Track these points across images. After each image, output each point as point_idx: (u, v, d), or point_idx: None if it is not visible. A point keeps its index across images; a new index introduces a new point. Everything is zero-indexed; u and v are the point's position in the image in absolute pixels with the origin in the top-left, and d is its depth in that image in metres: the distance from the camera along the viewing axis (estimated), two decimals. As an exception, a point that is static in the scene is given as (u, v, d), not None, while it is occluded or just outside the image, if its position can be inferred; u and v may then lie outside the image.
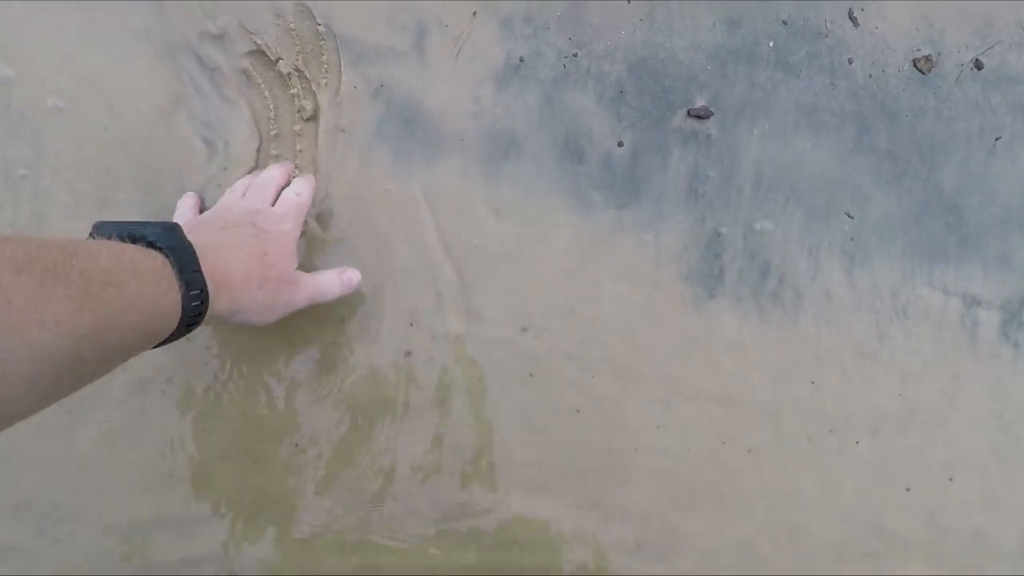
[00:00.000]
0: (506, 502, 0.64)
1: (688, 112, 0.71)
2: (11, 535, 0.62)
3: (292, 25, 0.65)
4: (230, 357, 0.63)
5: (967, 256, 0.73)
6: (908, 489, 0.67)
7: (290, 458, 0.63)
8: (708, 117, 0.71)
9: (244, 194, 0.59)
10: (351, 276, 0.60)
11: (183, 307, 0.42)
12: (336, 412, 0.64)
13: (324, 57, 0.66)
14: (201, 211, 0.61)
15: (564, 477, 0.64)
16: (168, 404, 0.63)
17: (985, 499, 0.68)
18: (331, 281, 0.59)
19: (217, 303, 0.46)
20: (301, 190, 0.60)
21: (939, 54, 0.75)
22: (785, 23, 0.72)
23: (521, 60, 0.69)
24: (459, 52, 0.68)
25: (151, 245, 0.43)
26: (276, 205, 0.58)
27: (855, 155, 0.73)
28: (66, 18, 0.61)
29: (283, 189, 0.60)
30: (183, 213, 0.60)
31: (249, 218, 0.54)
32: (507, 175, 0.68)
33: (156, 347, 0.44)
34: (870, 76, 0.74)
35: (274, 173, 0.61)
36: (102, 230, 0.43)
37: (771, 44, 0.72)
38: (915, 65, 0.75)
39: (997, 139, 0.75)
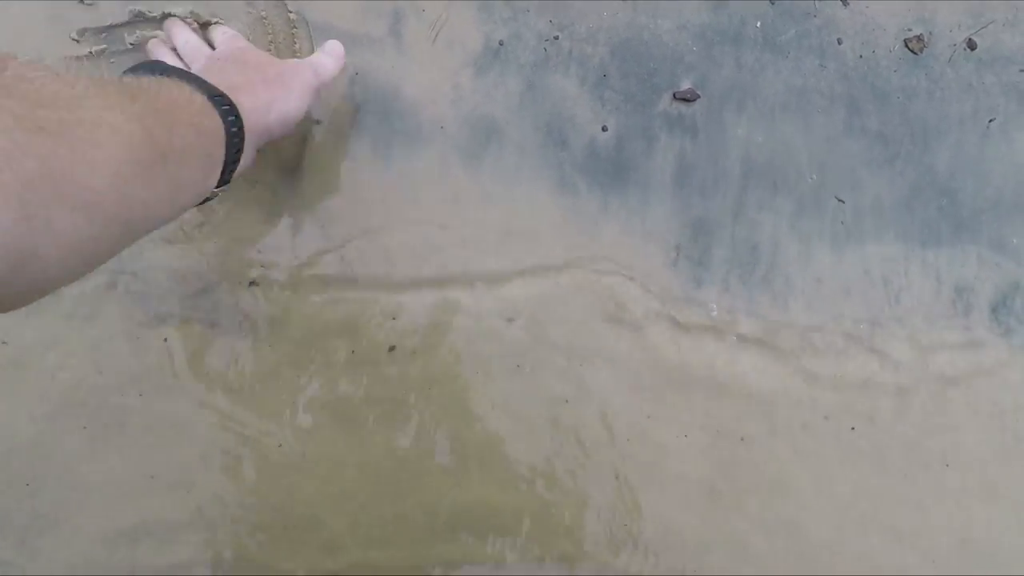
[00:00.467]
0: (492, 493, 0.62)
1: (674, 95, 0.69)
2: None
3: (263, 13, 0.63)
4: (210, 360, 0.61)
5: (960, 240, 0.71)
6: (905, 476, 0.65)
7: (276, 458, 0.61)
8: (694, 100, 0.69)
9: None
10: (334, 46, 0.59)
11: (216, 109, 0.44)
12: (319, 411, 0.62)
13: (297, 45, 0.64)
14: None
15: (555, 470, 0.63)
16: (147, 410, 0.61)
17: (982, 489, 0.66)
18: (321, 57, 0.58)
19: (241, 103, 0.48)
20: (223, 30, 0.60)
21: (931, 34, 0.73)
22: (772, 2, 0.71)
23: (501, 44, 0.67)
24: (436, 37, 0.66)
25: (180, 78, 0.44)
26: (217, 49, 0.58)
27: (845, 138, 0.71)
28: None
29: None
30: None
31: (218, 54, 0.56)
32: (489, 163, 0.66)
33: (225, 177, 0.47)
34: (860, 57, 0.73)
35: (184, 26, 0.61)
36: (128, 73, 0.46)
37: (758, 24, 0.71)
38: (906, 45, 0.73)
39: (991, 121, 0.74)
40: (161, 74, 0.44)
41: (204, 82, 0.45)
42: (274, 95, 0.52)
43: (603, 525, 0.62)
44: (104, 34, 0.61)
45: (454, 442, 0.62)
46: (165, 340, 0.61)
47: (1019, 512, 0.66)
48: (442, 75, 0.66)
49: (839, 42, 0.72)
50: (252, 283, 0.62)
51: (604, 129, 0.68)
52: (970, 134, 0.73)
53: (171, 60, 0.58)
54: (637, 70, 0.69)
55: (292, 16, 0.63)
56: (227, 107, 0.46)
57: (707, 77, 0.70)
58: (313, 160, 0.64)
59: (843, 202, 0.70)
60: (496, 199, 0.66)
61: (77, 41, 0.60)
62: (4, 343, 0.59)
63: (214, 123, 0.44)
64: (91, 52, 0.61)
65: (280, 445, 0.61)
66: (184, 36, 0.59)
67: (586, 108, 0.68)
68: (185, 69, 0.48)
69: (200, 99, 0.43)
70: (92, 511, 0.59)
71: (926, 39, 0.73)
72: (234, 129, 0.46)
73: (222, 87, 0.47)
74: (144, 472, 0.60)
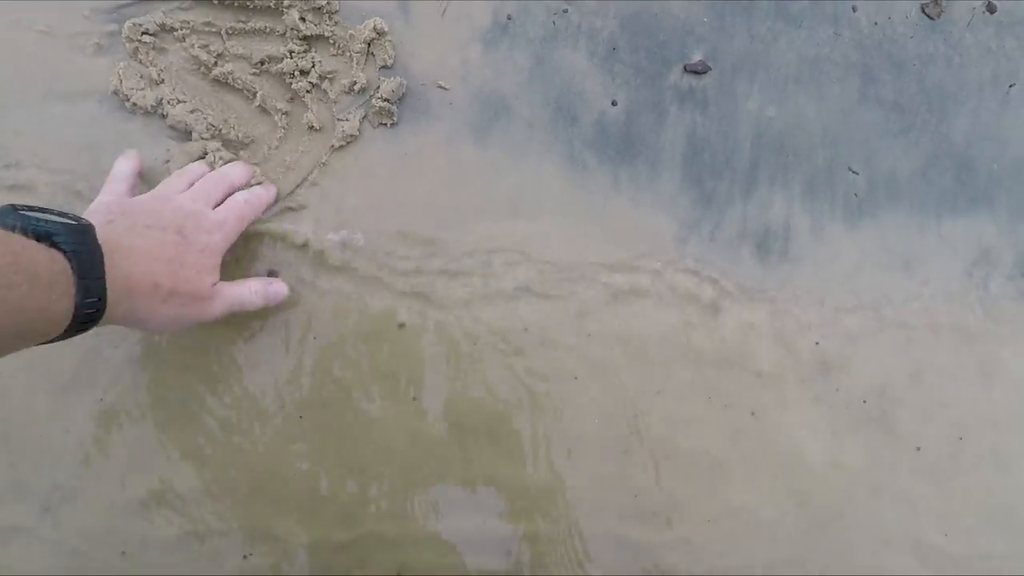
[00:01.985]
0: (501, 468, 0.63)
1: (685, 67, 0.68)
2: (12, 516, 0.62)
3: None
4: (223, 331, 0.63)
5: (977, 210, 0.70)
6: (918, 449, 0.65)
7: (291, 430, 0.63)
8: (705, 72, 0.68)
9: (190, 185, 0.55)
10: (278, 288, 0.58)
11: (75, 314, 0.41)
12: (330, 384, 0.63)
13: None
14: (134, 188, 0.57)
15: (563, 443, 0.63)
16: (162, 381, 0.62)
17: (996, 458, 0.66)
18: (254, 293, 0.56)
19: (116, 310, 0.45)
20: (252, 197, 0.57)
21: (949, -2, 0.71)
22: (785, -30, 0.69)
23: (509, 18, 0.67)
24: (445, 11, 0.66)
25: (56, 245, 0.41)
26: (218, 209, 0.54)
27: (860, 108, 0.70)
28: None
29: (236, 191, 0.57)
30: (117, 183, 0.55)
31: (179, 221, 0.50)
32: (497, 139, 0.66)
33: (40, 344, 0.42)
34: (875, 24, 0.71)
35: (233, 172, 0.58)
36: (7, 218, 0.41)
37: (770, -7, 0.69)
38: (923, 10, 0.72)
39: (1011, 86, 0.72)
40: (63, 250, 0.40)
41: (97, 279, 0.42)
42: (160, 316, 0.49)
43: (610, 497, 0.63)
44: (114, 14, 0.62)
45: (463, 417, 0.63)
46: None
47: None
48: (450, 50, 0.66)
49: (854, 9, 0.70)
50: (270, 272, 0.63)
51: (614, 103, 0.68)
52: (989, 101, 0.71)
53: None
54: (647, 43, 0.68)
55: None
56: (91, 311, 0.42)
57: (718, 49, 0.69)
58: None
59: (856, 173, 0.69)
60: (505, 175, 0.66)
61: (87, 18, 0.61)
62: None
63: (54, 329, 0.41)
64: (98, 43, 0.62)
65: (301, 417, 0.62)
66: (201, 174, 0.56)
67: (596, 82, 0.68)
68: (96, 253, 0.43)
69: (63, 306, 0.40)
70: (108, 481, 0.61)
71: (943, 3, 0.71)
72: (78, 329, 0.43)
73: (118, 284, 0.44)
74: (159, 444, 0.62)
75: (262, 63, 0.63)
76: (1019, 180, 0.70)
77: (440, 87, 0.66)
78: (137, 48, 0.61)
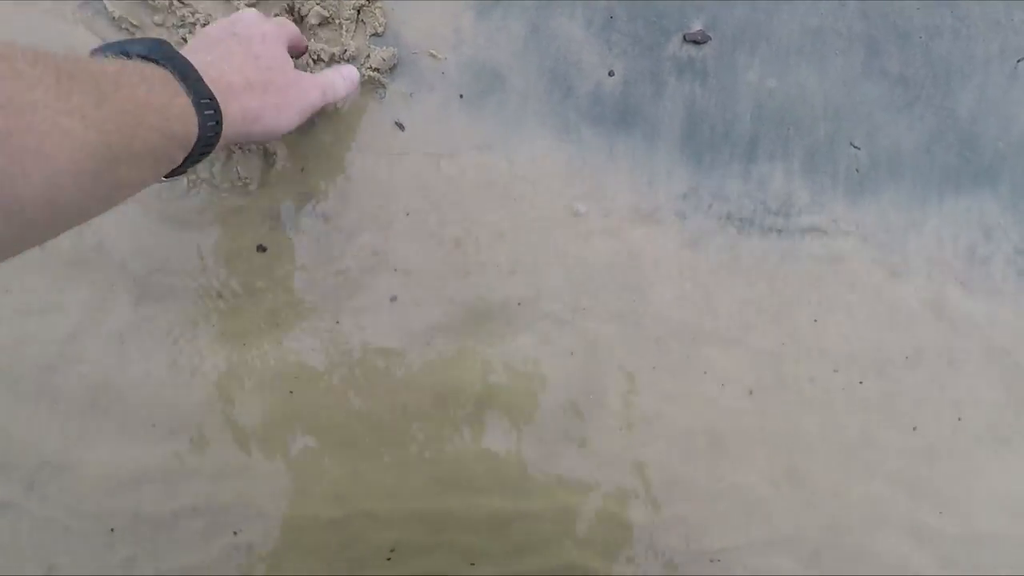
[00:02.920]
0: (498, 446, 0.62)
1: (684, 37, 0.66)
2: (5, 493, 0.61)
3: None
4: (211, 306, 0.61)
5: (981, 187, 0.68)
6: (915, 428, 0.65)
7: (280, 407, 0.62)
8: (705, 42, 0.67)
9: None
10: (350, 72, 0.59)
11: (198, 115, 0.42)
12: (325, 355, 0.62)
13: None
14: None
15: (557, 420, 0.63)
16: (147, 356, 0.61)
17: (994, 439, 0.65)
18: (335, 78, 0.57)
19: (229, 109, 0.46)
20: (283, 22, 0.57)
21: (957, -33, 0.69)
22: (789, -64, 0.67)
23: (503, -15, 0.65)
24: (437, -23, 0.64)
25: (146, 59, 0.42)
26: (256, 13, 0.55)
27: (864, 81, 0.68)
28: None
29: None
30: None
31: (227, 29, 0.52)
32: (491, 110, 0.64)
33: (182, 169, 0.44)
34: (882, -7, 0.69)
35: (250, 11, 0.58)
36: (97, 53, 0.42)
37: (773, -40, 0.67)
38: (931, -19, 0.70)
39: (1019, 61, 0.70)
40: (155, 61, 0.42)
41: (198, 80, 0.43)
42: (269, 106, 0.50)
43: (608, 476, 0.62)
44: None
45: (456, 395, 0.62)
46: (164, 296, 0.61)
47: (1032, 463, 0.65)
48: (442, 18, 0.64)
49: (859, -22, 0.68)
50: (260, 247, 0.62)
51: (611, 74, 0.66)
52: (996, 75, 0.70)
53: None
54: (645, 12, 0.66)
55: None
56: (211, 112, 0.44)
57: (718, 18, 0.67)
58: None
59: (859, 148, 0.68)
60: (499, 146, 0.64)
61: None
62: (7, 292, 0.60)
63: (188, 130, 0.42)
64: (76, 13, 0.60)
65: (291, 392, 0.62)
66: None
67: (592, 52, 0.66)
68: (183, 58, 0.44)
69: (183, 102, 0.41)
70: (96, 458, 0.60)
71: (952, -26, 0.69)
72: (210, 135, 0.44)
73: (218, 85, 0.45)
74: (146, 420, 0.61)
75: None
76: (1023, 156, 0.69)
77: (432, 56, 0.64)
78: (116, 17, 0.60)
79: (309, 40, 0.61)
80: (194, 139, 0.43)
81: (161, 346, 0.61)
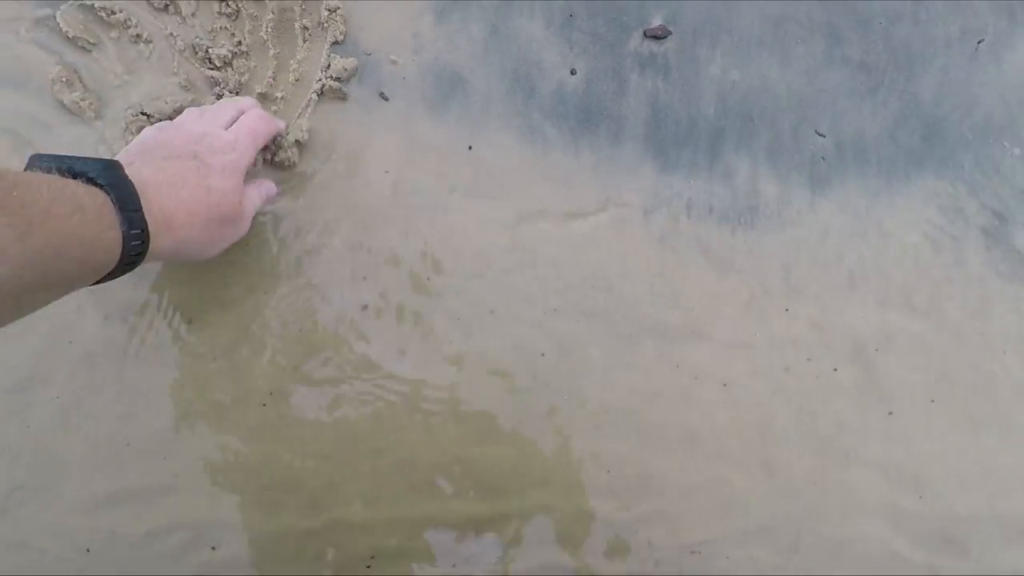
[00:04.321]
0: (468, 448, 0.62)
1: (644, 33, 0.66)
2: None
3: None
4: (182, 323, 0.61)
5: (947, 170, 0.69)
6: (890, 413, 0.65)
7: (257, 418, 0.61)
8: (666, 37, 0.67)
9: (201, 116, 0.55)
10: (269, 187, 0.59)
11: (124, 246, 0.42)
12: (294, 367, 0.62)
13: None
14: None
15: (532, 421, 0.63)
16: (119, 376, 0.61)
17: (968, 421, 0.65)
18: (258, 198, 0.56)
19: (159, 241, 0.45)
20: (257, 119, 0.56)
21: (914, -48, 0.70)
22: (744, -73, 0.67)
23: (460, -13, 0.65)
24: (393, -18, 0.64)
25: (91, 181, 0.42)
26: (229, 129, 0.54)
27: (826, 69, 0.69)
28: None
29: (240, 113, 0.56)
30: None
31: (192, 146, 0.50)
32: (454, 114, 0.64)
33: (95, 283, 0.44)
34: (840, -19, 0.69)
35: (242, 99, 0.58)
36: (40, 162, 0.42)
37: (730, -48, 0.67)
38: (889, -33, 0.70)
39: (980, 42, 0.70)
40: (100, 184, 0.41)
41: (136, 211, 0.42)
42: (202, 241, 0.49)
43: (582, 474, 0.62)
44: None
45: (429, 397, 0.62)
46: (139, 310, 0.60)
47: (1007, 439, 0.66)
48: (402, 22, 0.64)
49: (817, -33, 0.68)
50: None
51: (573, 72, 0.66)
52: (957, 58, 0.70)
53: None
54: (605, 9, 0.66)
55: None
56: (138, 243, 0.43)
57: (678, 12, 0.67)
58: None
59: (823, 136, 0.68)
60: (462, 149, 0.64)
61: None
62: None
63: (110, 259, 0.41)
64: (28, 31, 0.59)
65: (264, 404, 0.61)
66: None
67: (553, 51, 0.66)
68: (130, 186, 0.43)
69: (113, 236, 0.41)
70: (69, 479, 0.60)
71: (909, -41, 0.69)
72: (128, 263, 0.43)
73: (158, 217, 0.44)
74: (119, 440, 0.60)
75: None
76: (987, 138, 0.69)
77: (392, 61, 0.64)
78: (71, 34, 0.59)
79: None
80: (112, 267, 0.42)
81: (131, 364, 0.61)
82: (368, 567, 0.60)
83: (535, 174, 0.65)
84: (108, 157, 0.46)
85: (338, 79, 0.62)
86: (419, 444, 0.62)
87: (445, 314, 0.62)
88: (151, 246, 0.45)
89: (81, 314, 0.60)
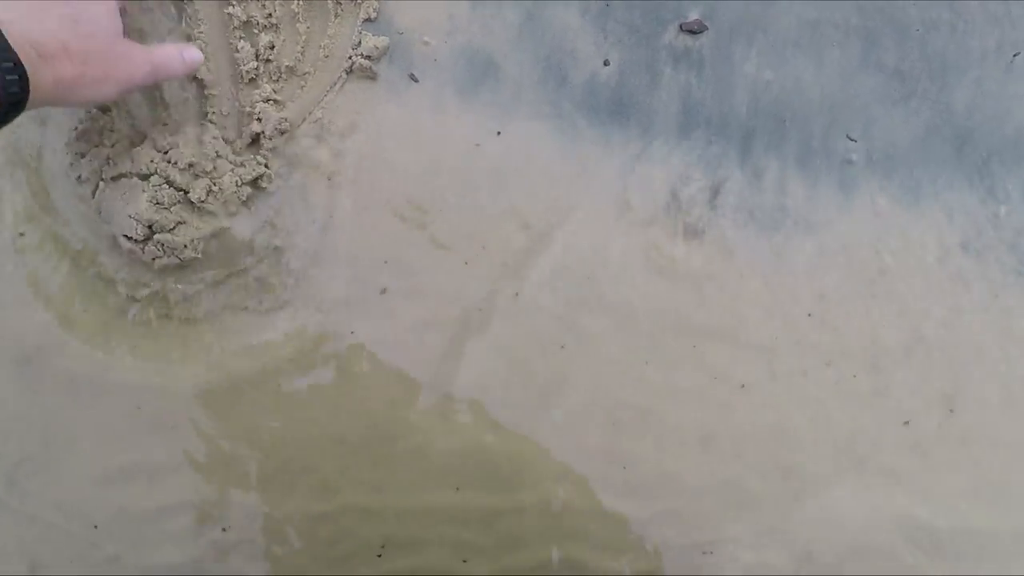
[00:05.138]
0: (488, 438, 0.62)
1: (680, 26, 0.65)
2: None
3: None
4: (194, 296, 0.60)
5: (976, 181, 0.68)
6: (906, 423, 0.65)
7: (267, 398, 0.60)
8: (702, 32, 0.66)
9: None
10: (192, 54, 0.54)
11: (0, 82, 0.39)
12: (312, 352, 0.61)
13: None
14: None
15: (549, 416, 0.62)
16: (136, 350, 0.60)
17: (986, 431, 0.65)
18: (171, 56, 0.52)
19: (39, 77, 0.42)
20: None
21: (956, -40, 0.69)
22: (788, -75, 0.66)
23: (498, -29, 0.63)
24: (430, -38, 0.62)
25: None
26: None
27: (860, 74, 0.68)
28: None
29: None
30: None
31: None
32: (485, 100, 0.63)
33: None
34: (879, -15, 0.68)
35: None
36: None
37: (772, -50, 0.66)
38: (929, -27, 0.69)
39: (1016, 55, 0.70)
40: None
41: (2, 46, 0.39)
42: (88, 78, 0.46)
43: (598, 470, 0.62)
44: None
45: (447, 386, 0.61)
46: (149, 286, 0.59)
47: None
48: (437, 3, 0.63)
49: (857, -30, 0.67)
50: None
51: (606, 63, 0.65)
52: (992, 69, 0.69)
53: None
54: (641, 0, 0.65)
55: None
56: (14, 78, 0.40)
57: (715, 8, 0.66)
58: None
59: (854, 141, 0.67)
60: (492, 137, 0.63)
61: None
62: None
63: None
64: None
65: (279, 386, 0.60)
66: None
67: (588, 41, 0.65)
68: None
69: None
70: (80, 454, 0.59)
71: (950, -33, 0.69)
72: (13, 101, 0.41)
73: (24, 48, 0.41)
74: (130, 415, 0.59)
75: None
76: (1019, 151, 0.69)
77: (424, 43, 0.62)
78: None
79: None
80: None
81: (145, 341, 0.60)
82: (379, 556, 0.59)
83: (563, 163, 0.64)
84: None
85: (368, 57, 0.61)
86: (434, 433, 0.61)
87: (465, 300, 0.62)
88: (32, 82, 0.41)
89: (96, 284, 0.59)
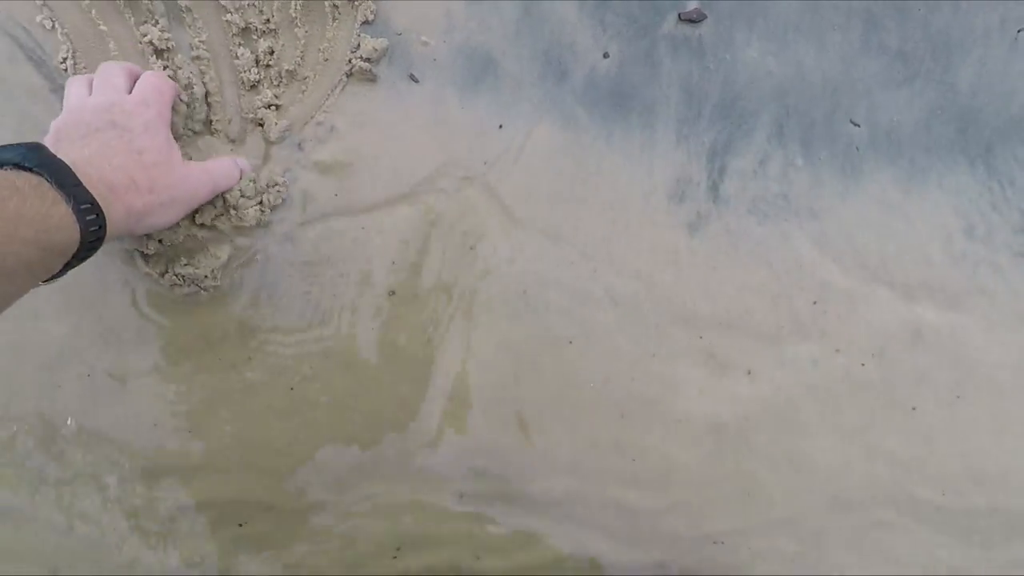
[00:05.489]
0: (498, 434, 0.62)
1: (679, 16, 0.65)
2: (4, 498, 0.61)
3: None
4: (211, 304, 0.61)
5: (982, 163, 0.68)
6: (914, 408, 0.65)
7: (281, 402, 0.61)
8: (701, 21, 0.65)
9: (91, 90, 0.52)
10: (245, 163, 0.58)
11: (79, 220, 0.41)
12: (321, 355, 0.62)
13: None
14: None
15: (557, 410, 0.63)
16: (147, 356, 0.61)
17: (995, 418, 0.65)
18: (228, 169, 0.55)
19: (112, 211, 0.44)
20: (156, 76, 0.53)
21: (958, -63, 0.68)
22: (785, -91, 0.65)
23: (494, -34, 0.63)
24: (425, -40, 0.62)
25: (19, 167, 0.40)
26: (133, 92, 0.51)
27: (862, 57, 0.67)
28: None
29: (133, 78, 0.54)
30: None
31: (105, 116, 0.48)
32: (485, 96, 0.63)
33: (66, 270, 0.43)
34: (880, -34, 0.68)
35: (121, 64, 0.54)
36: None
37: (770, -66, 0.65)
38: (930, -48, 0.68)
39: (1020, 31, 0.69)
40: (29, 168, 0.40)
41: (76, 185, 0.41)
42: (156, 205, 0.48)
43: (608, 463, 0.63)
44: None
45: (454, 384, 0.62)
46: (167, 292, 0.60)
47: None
48: (433, 4, 0.62)
49: (858, -49, 0.67)
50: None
51: (606, 56, 0.65)
52: (996, 48, 0.68)
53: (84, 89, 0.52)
54: (640, -10, 0.65)
55: None
56: (93, 217, 0.42)
57: (714, -5, 0.65)
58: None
59: (858, 126, 0.67)
60: (493, 133, 0.63)
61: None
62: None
63: (69, 237, 0.41)
64: None
65: (291, 389, 0.61)
66: (109, 80, 0.52)
67: (586, 34, 0.64)
68: (60, 163, 0.42)
69: (61, 211, 0.40)
70: (104, 455, 0.60)
71: (952, -56, 0.68)
72: (93, 239, 0.43)
73: (99, 187, 0.43)
74: (149, 416, 0.60)
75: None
76: (1025, 131, 0.68)
77: (423, 43, 0.62)
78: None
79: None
80: (76, 246, 0.42)
81: (157, 352, 0.61)
82: (395, 557, 0.60)
83: (564, 157, 0.64)
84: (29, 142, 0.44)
85: (368, 60, 0.61)
86: (445, 430, 0.62)
87: (474, 297, 0.62)
88: (108, 218, 0.44)
89: (113, 294, 0.60)
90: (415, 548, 0.61)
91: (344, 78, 0.61)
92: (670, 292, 0.64)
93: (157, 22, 0.58)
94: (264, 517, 0.62)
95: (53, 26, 0.58)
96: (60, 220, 0.40)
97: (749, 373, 0.64)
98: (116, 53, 0.58)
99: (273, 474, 0.61)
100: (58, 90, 0.58)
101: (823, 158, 0.66)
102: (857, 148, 0.67)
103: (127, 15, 0.58)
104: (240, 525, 0.62)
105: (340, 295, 0.62)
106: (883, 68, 0.68)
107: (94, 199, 0.42)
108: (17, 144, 0.42)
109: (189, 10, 0.58)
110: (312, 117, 0.61)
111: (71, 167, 0.42)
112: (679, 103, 0.65)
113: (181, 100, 0.57)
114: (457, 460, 0.62)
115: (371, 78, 0.62)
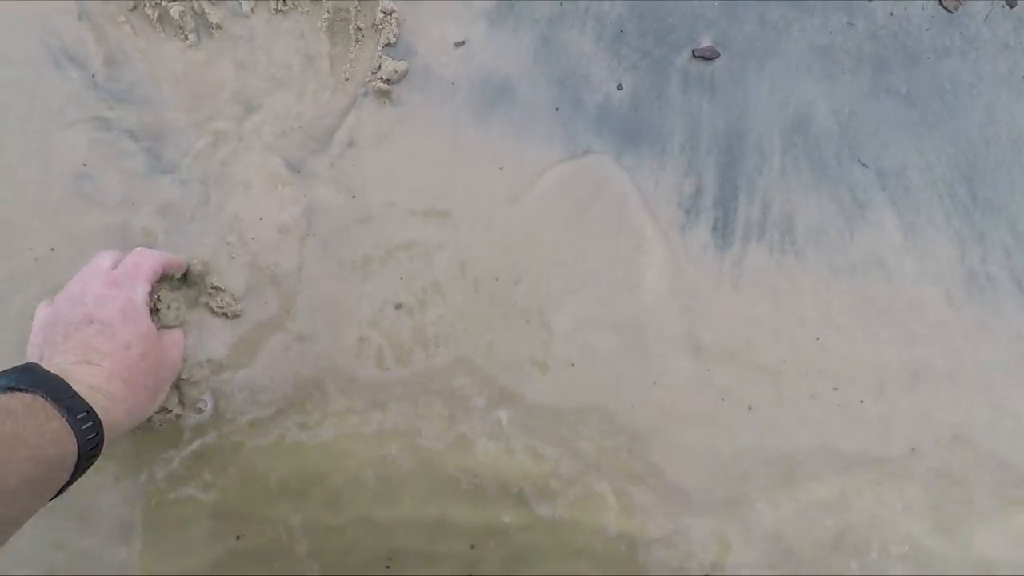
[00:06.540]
0: (499, 456, 0.63)
1: (693, 52, 0.67)
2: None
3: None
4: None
5: (988, 209, 0.68)
6: (913, 450, 0.65)
7: (277, 419, 0.62)
8: (714, 58, 0.67)
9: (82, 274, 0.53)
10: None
11: (75, 431, 0.42)
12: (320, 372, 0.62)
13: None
14: None
15: (558, 433, 0.63)
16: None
17: (995, 459, 0.65)
18: (180, 341, 0.57)
19: (111, 417, 0.45)
20: (140, 253, 0.54)
21: (968, -10, 0.70)
22: (800, -45, 0.67)
23: (515, -3, 0.65)
24: (450, -12, 0.64)
25: (13, 389, 0.41)
26: (111, 272, 0.52)
27: (871, 100, 0.69)
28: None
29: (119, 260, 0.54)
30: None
31: (81, 310, 0.49)
32: (500, 121, 0.65)
33: (76, 476, 0.43)
34: (891, 14, 0.69)
35: (109, 252, 0.55)
36: None
37: (784, -22, 0.67)
38: (941, 3, 0.70)
39: (1026, 80, 0.70)
40: (23, 389, 0.41)
41: (72, 397, 0.43)
42: (147, 395, 0.50)
43: (606, 488, 0.63)
44: None
45: (456, 399, 0.62)
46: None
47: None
48: (455, 29, 0.64)
49: (869, -2, 0.68)
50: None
51: (620, 87, 0.66)
52: (1003, 95, 0.70)
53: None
54: (655, 26, 0.67)
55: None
56: (89, 425, 0.43)
57: (728, 34, 0.67)
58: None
59: (866, 167, 0.68)
60: (508, 158, 0.64)
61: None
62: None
63: (66, 450, 0.41)
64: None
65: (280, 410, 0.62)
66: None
67: (602, 65, 0.66)
68: (54, 378, 0.43)
69: (56, 426, 0.41)
70: (102, 468, 0.61)
71: (962, -4, 0.69)
72: (91, 447, 0.43)
73: (95, 396, 0.44)
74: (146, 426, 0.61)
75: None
76: (1031, 179, 0.69)
77: (443, 65, 0.64)
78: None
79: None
80: (75, 457, 0.42)
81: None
82: (387, 567, 0.60)
83: (575, 185, 0.65)
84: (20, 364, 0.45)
85: (388, 81, 0.63)
86: (443, 446, 0.62)
87: (477, 317, 0.63)
88: (106, 422, 0.44)
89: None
90: (407, 560, 0.61)
91: (363, 97, 0.63)
92: (674, 321, 0.64)
93: (187, 38, 0.60)
94: (259, 529, 0.62)
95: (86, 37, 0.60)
96: (55, 435, 0.41)
97: (749, 406, 0.64)
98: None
99: (268, 486, 0.62)
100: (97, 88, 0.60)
101: (831, 197, 0.67)
102: (865, 189, 0.67)
103: (158, 29, 0.60)
104: (237, 538, 0.62)
105: (348, 308, 0.62)
106: (891, 111, 0.69)
107: (90, 407, 0.43)
108: (11, 369, 0.43)
109: (219, 27, 0.60)
110: (332, 136, 0.62)
111: (63, 377, 0.44)
112: (690, 137, 0.66)
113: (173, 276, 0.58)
114: (452, 476, 0.62)
115: (390, 98, 0.63)
